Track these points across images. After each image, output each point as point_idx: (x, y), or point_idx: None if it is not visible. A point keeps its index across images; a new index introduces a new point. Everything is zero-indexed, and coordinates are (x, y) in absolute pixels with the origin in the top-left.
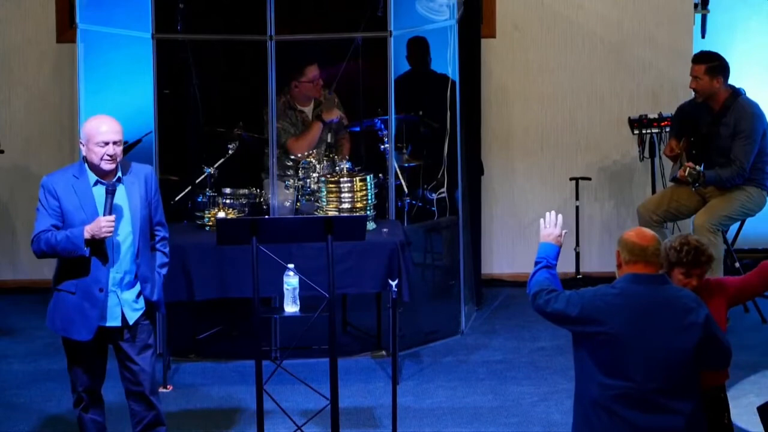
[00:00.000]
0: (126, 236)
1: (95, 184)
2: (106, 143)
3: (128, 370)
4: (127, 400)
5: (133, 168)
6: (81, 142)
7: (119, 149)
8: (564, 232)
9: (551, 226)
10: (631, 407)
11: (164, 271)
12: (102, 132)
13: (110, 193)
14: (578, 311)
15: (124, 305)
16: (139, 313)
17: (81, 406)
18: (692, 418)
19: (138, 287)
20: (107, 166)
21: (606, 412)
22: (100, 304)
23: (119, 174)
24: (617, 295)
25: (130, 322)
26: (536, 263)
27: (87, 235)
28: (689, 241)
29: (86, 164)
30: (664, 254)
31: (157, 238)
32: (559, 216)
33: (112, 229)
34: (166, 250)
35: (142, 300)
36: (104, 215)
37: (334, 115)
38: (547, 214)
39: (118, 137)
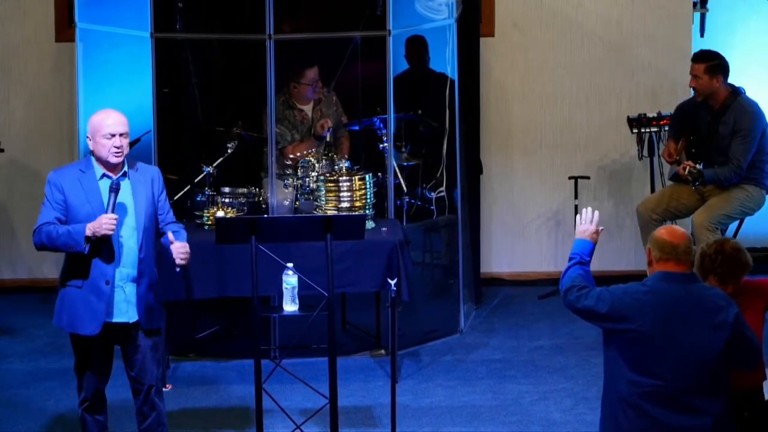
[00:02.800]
0: (131, 233)
1: (101, 177)
2: (113, 135)
3: (133, 369)
4: (134, 398)
5: (140, 167)
6: (87, 137)
7: (126, 141)
8: (600, 229)
9: (587, 222)
10: (659, 405)
11: (184, 233)
12: (108, 124)
13: (114, 190)
14: (608, 308)
15: (130, 301)
16: (145, 309)
17: (85, 405)
18: (720, 418)
19: (144, 284)
20: (115, 159)
21: (634, 410)
22: (106, 298)
23: (125, 168)
24: (647, 292)
25: (136, 319)
26: (570, 259)
27: (88, 232)
28: (724, 250)
29: (93, 158)
30: (699, 260)
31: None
32: (596, 212)
33: (113, 227)
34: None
35: (149, 296)
36: (107, 213)
37: (327, 126)
38: (584, 210)
39: (124, 129)
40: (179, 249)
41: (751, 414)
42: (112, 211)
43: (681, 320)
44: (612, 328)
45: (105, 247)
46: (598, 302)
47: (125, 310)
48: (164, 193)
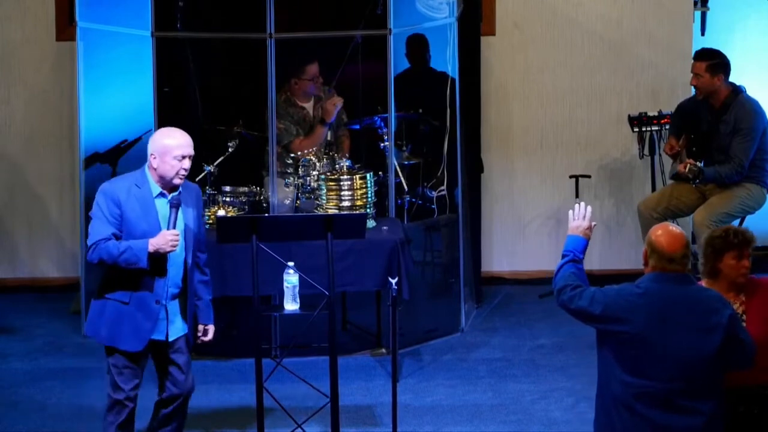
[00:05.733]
0: (180, 250)
1: (158, 196)
2: (184, 157)
3: (171, 379)
4: (164, 405)
5: (187, 185)
6: (152, 154)
7: (190, 163)
8: (593, 224)
9: (579, 218)
10: (652, 406)
11: (210, 291)
12: (180, 145)
13: (175, 207)
14: (601, 309)
15: (172, 318)
16: (185, 327)
17: (119, 420)
18: (713, 419)
19: (192, 302)
20: (179, 180)
21: (627, 410)
22: (155, 316)
23: (180, 188)
24: (641, 294)
25: (176, 336)
26: (563, 256)
27: (151, 249)
28: (730, 227)
29: (149, 174)
30: (709, 246)
31: (202, 264)
32: (588, 207)
33: (177, 243)
34: (210, 288)
35: (186, 312)
36: (169, 229)
37: (335, 103)
38: (576, 205)
39: (193, 151)
40: (204, 337)
41: (760, 410)
42: (174, 227)
43: (674, 322)
44: (605, 329)
45: (158, 265)
46: (591, 303)
47: (163, 328)
48: (202, 213)
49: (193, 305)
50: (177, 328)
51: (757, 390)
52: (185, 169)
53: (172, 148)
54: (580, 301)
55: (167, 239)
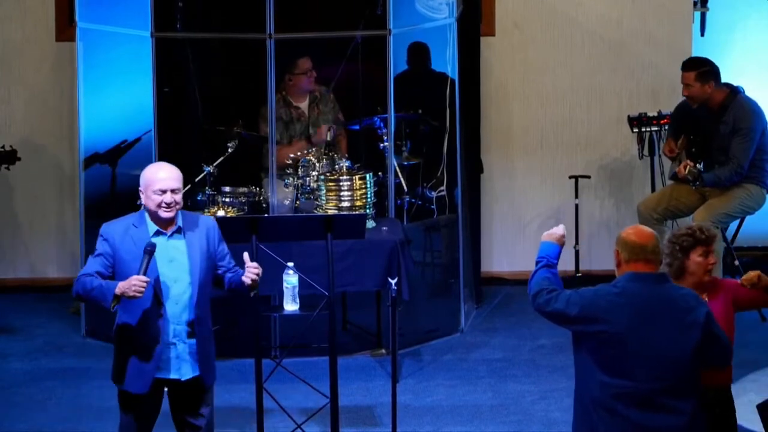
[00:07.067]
0: (185, 288)
1: (155, 234)
2: (164, 191)
3: (192, 416)
4: None
5: (195, 219)
6: (140, 190)
7: (178, 197)
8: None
9: (555, 226)
10: (632, 406)
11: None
12: (160, 179)
13: (148, 253)
14: (578, 310)
15: (184, 359)
16: (198, 365)
17: None
18: (694, 417)
19: (203, 341)
20: (165, 214)
21: (607, 411)
22: (157, 356)
23: (179, 224)
24: (618, 294)
25: (189, 376)
26: (537, 262)
27: (117, 291)
28: (693, 225)
29: (145, 213)
30: (674, 245)
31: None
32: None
33: (143, 290)
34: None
35: (209, 352)
36: (139, 274)
37: (324, 133)
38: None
39: (177, 185)
40: (252, 267)
41: (722, 411)
42: (144, 274)
43: (652, 321)
44: (583, 330)
45: (156, 306)
46: (568, 305)
47: (178, 367)
48: (223, 243)
49: (205, 344)
50: (191, 367)
51: (721, 391)
52: (167, 203)
53: (153, 181)
54: (556, 303)
55: (131, 284)
